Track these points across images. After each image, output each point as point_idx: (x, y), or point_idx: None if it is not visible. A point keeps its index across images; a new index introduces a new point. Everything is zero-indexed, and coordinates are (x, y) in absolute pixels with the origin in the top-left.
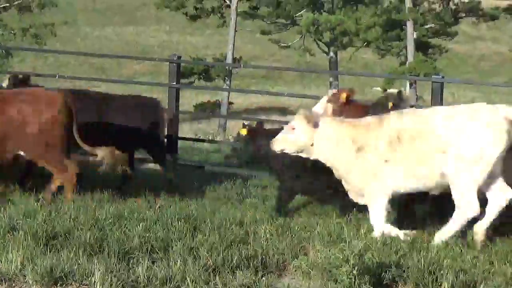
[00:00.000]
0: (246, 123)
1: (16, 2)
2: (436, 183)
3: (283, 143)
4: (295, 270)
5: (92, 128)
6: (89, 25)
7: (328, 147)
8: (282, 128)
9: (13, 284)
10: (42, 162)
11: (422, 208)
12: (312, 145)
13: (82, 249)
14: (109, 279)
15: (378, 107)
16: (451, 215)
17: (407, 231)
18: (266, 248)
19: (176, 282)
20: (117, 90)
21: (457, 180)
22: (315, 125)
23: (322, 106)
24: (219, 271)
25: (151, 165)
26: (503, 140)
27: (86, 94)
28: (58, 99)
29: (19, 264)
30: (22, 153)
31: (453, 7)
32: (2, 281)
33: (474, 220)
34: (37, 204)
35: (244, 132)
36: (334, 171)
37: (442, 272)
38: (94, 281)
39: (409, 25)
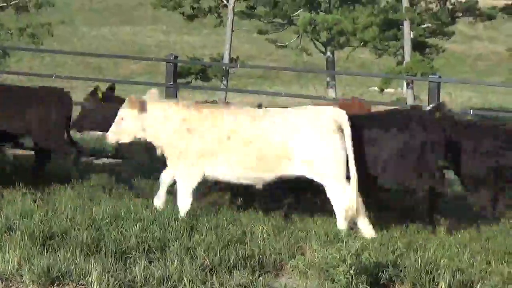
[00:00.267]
0: None
1: (13, 2)
2: (259, 178)
3: (116, 135)
4: (292, 270)
5: None
6: (86, 24)
7: (156, 129)
8: None
9: (10, 284)
10: None
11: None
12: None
13: (79, 249)
14: (106, 279)
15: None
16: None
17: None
18: (263, 248)
19: (173, 282)
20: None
21: (318, 178)
22: (142, 109)
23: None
24: (216, 271)
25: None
26: (334, 140)
27: None
28: None
29: (16, 264)
30: None
31: (450, 6)
32: None
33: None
34: (34, 204)
35: None
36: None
37: (439, 271)
38: (91, 281)
39: (406, 25)
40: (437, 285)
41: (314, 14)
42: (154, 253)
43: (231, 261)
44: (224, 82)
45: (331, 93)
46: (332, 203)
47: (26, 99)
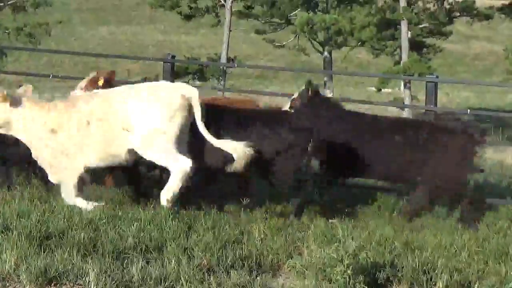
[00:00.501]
0: None
1: (10, 2)
2: (126, 158)
3: None
4: (290, 270)
5: None
6: (83, 24)
7: (23, 126)
8: None
9: (7, 284)
10: None
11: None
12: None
13: (76, 249)
14: (103, 279)
15: None
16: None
17: (96, 203)
18: (261, 248)
19: (171, 282)
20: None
21: (151, 154)
22: (14, 104)
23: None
24: (214, 271)
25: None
26: (180, 116)
27: None
28: None
29: (13, 264)
30: None
31: (448, 6)
32: None
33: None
34: (31, 204)
35: None
36: (32, 151)
37: (436, 271)
38: (89, 281)
39: (404, 25)
40: (435, 285)
41: (312, 14)
42: (151, 253)
43: (228, 261)
44: (222, 82)
45: (328, 93)
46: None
47: None
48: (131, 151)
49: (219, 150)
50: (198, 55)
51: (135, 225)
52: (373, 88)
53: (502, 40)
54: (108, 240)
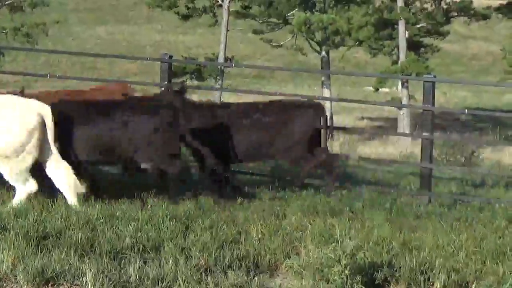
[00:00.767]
0: None
1: (7, 2)
2: None
3: None
4: (287, 270)
5: None
6: (81, 24)
7: None
8: None
9: (4, 285)
10: None
11: None
12: None
13: (74, 249)
14: (100, 279)
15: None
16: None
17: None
18: (258, 248)
19: (168, 282)
20: None
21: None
22: None
23: None
24: (211, 271)
25: None
26: (34, 131)
27: None
28: None
29: (10, 264)
30: None
31: (445, 6)
32: None
33: None
34: (28, 204)
35: None
36: None
37: (434, 271)
38: (86, 281)
39: (401, 25)
40: (432, 285)
41: (309, 14)
42: (149, 253)
43: (226, 261)
44: (219, 81)
45: (326, 93)
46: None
47: None
48: None
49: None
50: (196, 55)
51: (132, 225)
52: (371, 88)
53: (499, 40)
54: (106, 240)
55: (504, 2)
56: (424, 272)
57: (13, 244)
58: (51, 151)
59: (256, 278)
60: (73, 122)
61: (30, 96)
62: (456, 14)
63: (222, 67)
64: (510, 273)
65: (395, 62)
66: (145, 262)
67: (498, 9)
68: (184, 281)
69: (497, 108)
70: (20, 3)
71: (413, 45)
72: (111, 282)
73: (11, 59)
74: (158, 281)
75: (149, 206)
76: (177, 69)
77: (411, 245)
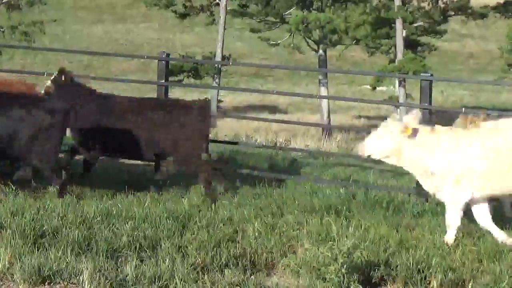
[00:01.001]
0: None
1: (5, 0)
2: None
3: None
4: (284, 269)
5: None
6: (78, 23)
7: None
8: None
9: (1, 283)
10: None
11: None
12: None
13: (70, 248)
14: (97, 278)
15: None
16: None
17: None
18: (255, 246)
19: (165, 281)
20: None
21: None
22: None
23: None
24: (208, 270)
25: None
26: None
27: None
28: None
29: (7, 263)
30: None
31: (442, 5)
32: None
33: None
34: (25, 202)
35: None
36: None
37: (431, 270)
38: (82, 280)
39: (398, 23)
40: (429, 283)
41: (307, 13)
42: (146, 251)
43: (222, 260)
44: (216, 80)
45: (323, 91)
46: None
47: None
48: None
49: None
50: (193, 53)
51: (129, 224)
52: (368, 87)
53: (497, 38)
54: (102, 239)
55: (501, 1)
56: (421, 271)
57: (10, 243)
58: None
59: (252, 276)
60: None
61: None
62: (453, 13)
63: (219, 66)
64: (507, 272)
65: (392, 61)
66: (141, 261)
67: (495, 8)
68: (181, 280)
69: (494, 107)
70: (17, 1)
71: (411, 44)
72: (107, 281)
73: (9, 57)
74: (155, 280)
75: (145, 204)
76: (175, 67)
77: (408, 244)
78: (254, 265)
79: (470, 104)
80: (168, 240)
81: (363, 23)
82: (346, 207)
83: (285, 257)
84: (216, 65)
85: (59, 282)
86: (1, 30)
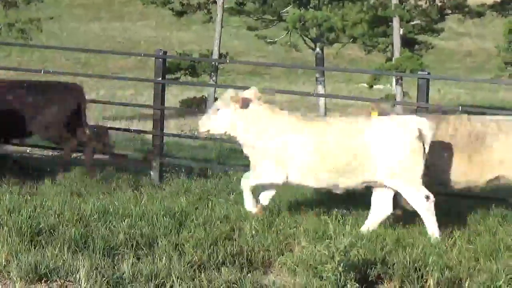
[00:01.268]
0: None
1: None
2: None
3: None
4: (281, 267)
5: None
6: (75, 20)
7: None
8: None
9: None
10: None
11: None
12: None
13: (67, 245)
14: (94, 276)
15: None
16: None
17: None
18: (252, 244)
19: (162, 279)
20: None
21: None
22: None
23: None
24: (205, 268)
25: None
26: None
27: None
28: None
29: (3, 260)
30: None
31: (439, 3)
32: None
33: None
34: (21, 200)
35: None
36: None
37: (427, 269)
38: (79, 278)
39: (396, 22)
40: (426, 282)
41: (304, 11)
42: (142, 249)
43: (219, 258)
44: (213, 78)
45: (320, 89)
46: None
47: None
48: None
49: None
50: (190, 51)
51: (126, 221)
52: (365, 85)
53: (494, 37)
54: (99, 236)
55: (498, 0)
56: (418, 269)
57: (7, 240)
58: None
59: (249, 274)
60: None
61: None
62: (450, 11)
63: (217, 63)
64: (503, 270)
65: (389, 59)
66: (138, 259)
67: (493, 6)
68: (178, 278)
69: (491, 105)
70: None
71: (408, 42)
72: (104, 279)
73: (6, 54)
74: (152, 278)
75: (142, 201)
76: (172, 65)
77: (405, 242)
78: (251, 263)
79: (466, 102)
80: (165, 238)
81: (360, 21)
82: (342, 204)
83: (282, 255)
84: (213, 63)
85: (56, 280)
86: None
